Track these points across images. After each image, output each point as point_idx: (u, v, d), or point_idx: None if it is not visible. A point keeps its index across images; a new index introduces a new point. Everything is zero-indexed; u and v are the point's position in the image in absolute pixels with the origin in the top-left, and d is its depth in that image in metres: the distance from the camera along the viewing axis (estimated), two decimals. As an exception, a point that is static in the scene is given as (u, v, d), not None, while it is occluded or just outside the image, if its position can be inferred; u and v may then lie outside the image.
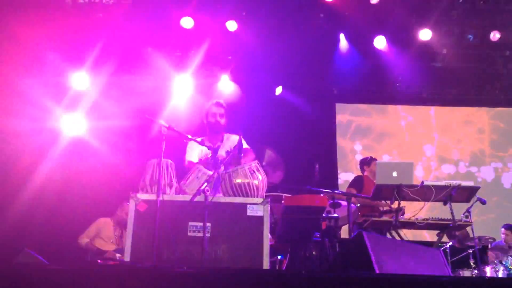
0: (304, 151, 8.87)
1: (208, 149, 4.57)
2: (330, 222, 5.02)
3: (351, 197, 5.49)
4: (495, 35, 8.69)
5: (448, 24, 8.61)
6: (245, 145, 4.91)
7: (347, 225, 5.51)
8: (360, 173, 7.13)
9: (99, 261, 5.41)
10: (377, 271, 3.49)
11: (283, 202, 5.06)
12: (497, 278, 5.79)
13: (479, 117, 10.12)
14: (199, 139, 4.71)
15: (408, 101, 10.10)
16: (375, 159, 6.97)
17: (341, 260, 4.09)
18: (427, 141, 9.95)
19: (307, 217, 4.53)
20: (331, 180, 9.22)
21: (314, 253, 5.32)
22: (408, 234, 6.39)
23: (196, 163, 4.61)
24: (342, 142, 9.91)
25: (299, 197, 4.86)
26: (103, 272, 2.64)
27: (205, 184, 3.95)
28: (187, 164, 4.79)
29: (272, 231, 5.08)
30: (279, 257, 5.72)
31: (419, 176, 9.39)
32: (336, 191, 5.51)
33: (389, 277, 3.12)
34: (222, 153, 4.77)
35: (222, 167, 4.24)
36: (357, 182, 6.76)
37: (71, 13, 7.88)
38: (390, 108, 10.17)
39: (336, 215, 5.08)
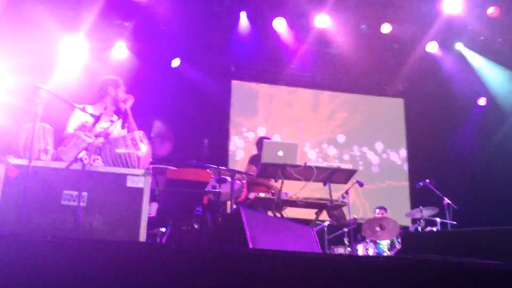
0: (196, 125, 8.86)
1: (91, 116, 4.38)
2: (213, 197, 5.06)
3: (235, 173, 5.57)
4: (387, 28, 9.14)
5: (345, 12, 8.90)
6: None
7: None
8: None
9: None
10: (251, 246, 3.58)
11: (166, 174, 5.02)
12: (361, 256, 6.16)
13: (367, 104, 10.68)
14: (81, 106, 4.48)
15: (302, 84, 10.40)
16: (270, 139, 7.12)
17: (219, 234, 4.15)
18: (317, 124, 10.34)
19: (189, 191, 4.53)
20: (221, 156, 9.30)
21: (196, 226, 5.37)
22: (290, 212, 6.63)
23: (77, 129, 4.41)
24: (235, 119, 10.01)
25: (182, 171, 4.84)
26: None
27: (83, 151, 3.81)
28: (66, 134, 4.56)
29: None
30: (163, 229, 5.70)
31: (307, 157, 9.76)
32: (221, 167, 5.54)
33: (260, 252, 3.21)
34: (105, 123, 4.59)
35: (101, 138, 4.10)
36: (257, 160, 6.85)
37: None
38: (285, 89, 10.40)
39: (218, 190, 5.12)
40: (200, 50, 9.36)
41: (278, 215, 6.22)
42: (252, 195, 6.07)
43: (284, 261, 2.97)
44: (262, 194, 5.89)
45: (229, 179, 5.79)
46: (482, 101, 10.49)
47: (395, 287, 2.79)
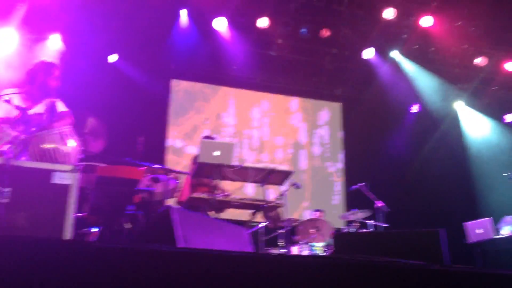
0: (133, 123, 8.64)
1: (16, 108, 4.18)
2: (146, 195, 4.96)
3: (169, 172, 5.48)
4: (325, 32, 9.29)
5: (285, 15, 8.99)
6: (63, 108, 4.64)
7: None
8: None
9: None
10: (179, 245, 3.52)
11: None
12: (291, 256, 6.19)
13: (305, 107, 10.81)
14: (6, 98, 4.25)
15: (242, 85, 10.41)
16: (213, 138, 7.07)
17: (148, 233, 4.06)
18: (256, 125, 10.36)
19: (120, 189, 4.41)
20: (159, 154, 9.15)
21: (129, 225, 5.23)
22: (228, 213, 6.58)
23: (1, 118, 4.21)
24: (174, 118, 9.88)
25: (113, 168, 4.70)
26: None
27: (8, 145, 3.64)
28: None
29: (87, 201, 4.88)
30: (95, 229, 5.53)
31: (246, 158, 9.76)
32: (155, 165, 5.44)
33: (188, 251, 3.16)
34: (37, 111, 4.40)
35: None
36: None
37: None
38: (224, 89, 10.37)
39: (152, 189, 5.02)
40: (139, 46, 9.15)
41: (215, 215, 6.18)
42: (196, 196, 6.00)
43: (213, 261, 2.94)
44: (203, 195, 5.82)
45: (163, 177, 5.69)
46: (415, 108, 10.87)
47: (324, 286, 2.81)
